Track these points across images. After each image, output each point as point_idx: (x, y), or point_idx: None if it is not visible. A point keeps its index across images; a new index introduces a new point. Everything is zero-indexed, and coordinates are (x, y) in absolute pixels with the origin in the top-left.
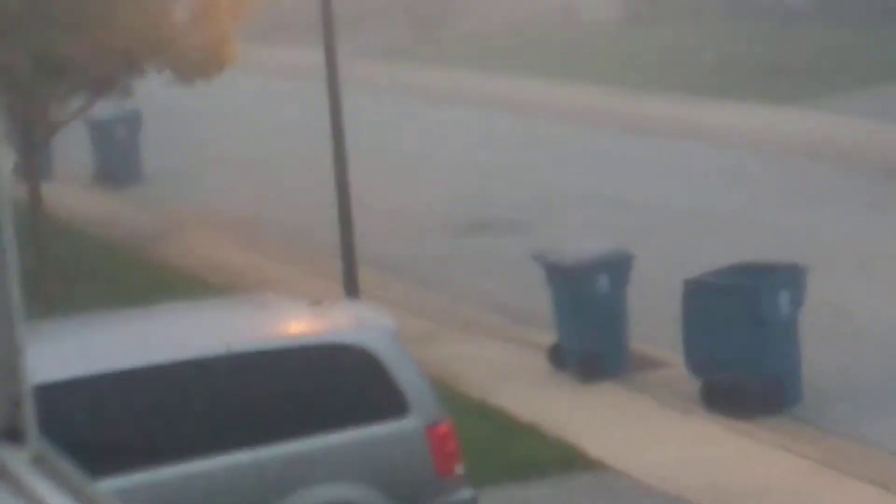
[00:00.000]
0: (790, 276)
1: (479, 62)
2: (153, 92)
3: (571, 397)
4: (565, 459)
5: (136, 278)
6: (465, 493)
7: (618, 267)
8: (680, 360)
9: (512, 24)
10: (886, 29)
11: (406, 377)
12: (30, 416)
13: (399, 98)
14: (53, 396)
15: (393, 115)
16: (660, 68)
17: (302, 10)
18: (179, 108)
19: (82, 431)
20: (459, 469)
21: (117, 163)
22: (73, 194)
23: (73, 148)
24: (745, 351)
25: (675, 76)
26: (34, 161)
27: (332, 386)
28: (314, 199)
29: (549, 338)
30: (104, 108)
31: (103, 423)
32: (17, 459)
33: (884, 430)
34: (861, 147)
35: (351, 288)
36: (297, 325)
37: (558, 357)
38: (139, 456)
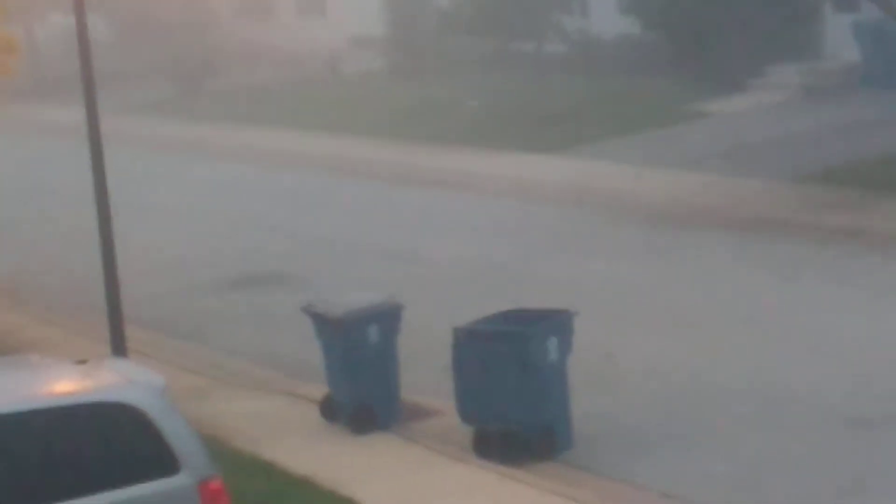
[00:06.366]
0: (559, 323)
1: (243, 116)
2: None
3: (345, 450)
4: None
5: None
6: None
7: (387, 317)
8: (452, 408)
9: (276, 79)
10: (639, 77)
11: (175, 434)
12: None
13: (163, 153)
14: None
15: (157, 171)
16: (425, 120)
17: (65, 69)
18: None
19: None
20: None
21: None
22: None
23: None
24: (515, 398)
25: (441, 127)
26: None
27: (100, 445)
28: (80, 259)
29: (321, 390)
30: None
31: None
32: None
33: (652, 471)
34: (624, 193)
35: (118, 346)
36: (62, 384)
37: (330, 410)
38: None
